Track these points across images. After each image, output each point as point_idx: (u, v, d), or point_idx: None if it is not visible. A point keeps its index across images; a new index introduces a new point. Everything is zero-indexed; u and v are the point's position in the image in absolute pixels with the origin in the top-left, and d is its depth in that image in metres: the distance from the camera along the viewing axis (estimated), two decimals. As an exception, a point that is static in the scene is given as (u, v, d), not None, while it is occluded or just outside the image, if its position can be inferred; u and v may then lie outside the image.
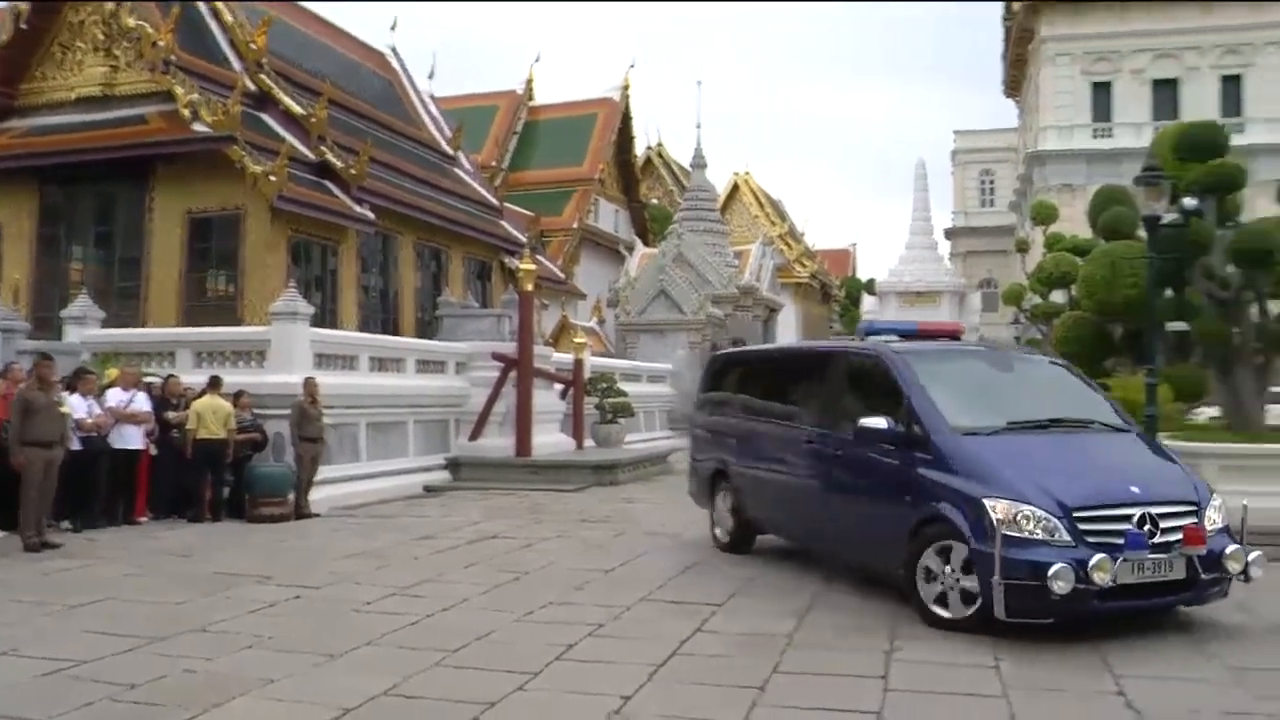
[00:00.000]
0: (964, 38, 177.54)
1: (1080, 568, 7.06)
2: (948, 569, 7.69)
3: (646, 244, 42.68)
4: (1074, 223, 38.14)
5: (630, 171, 48.26)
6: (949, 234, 76.72)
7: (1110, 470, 8.04)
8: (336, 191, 21.66)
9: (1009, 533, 7.26)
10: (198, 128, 19.49)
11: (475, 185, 30.56)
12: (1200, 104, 46.84)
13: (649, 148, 54.84)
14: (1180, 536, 7.44)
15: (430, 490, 17.56)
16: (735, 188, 58.76)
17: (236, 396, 14.44)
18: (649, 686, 6.26)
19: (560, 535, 12.63)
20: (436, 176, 27.83)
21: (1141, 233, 15.42)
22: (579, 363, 22.55)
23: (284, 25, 24.59)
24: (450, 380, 19.48)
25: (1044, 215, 38.49)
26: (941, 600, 7.73)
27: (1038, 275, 32.62)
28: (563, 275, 37.24)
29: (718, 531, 11.50)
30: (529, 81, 45.83)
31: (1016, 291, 38.84)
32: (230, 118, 19.32)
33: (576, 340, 23.91)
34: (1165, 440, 10.78)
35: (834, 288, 66.92)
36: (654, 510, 15.30)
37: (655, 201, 51.49)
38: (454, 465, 18.81)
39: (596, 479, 18.75)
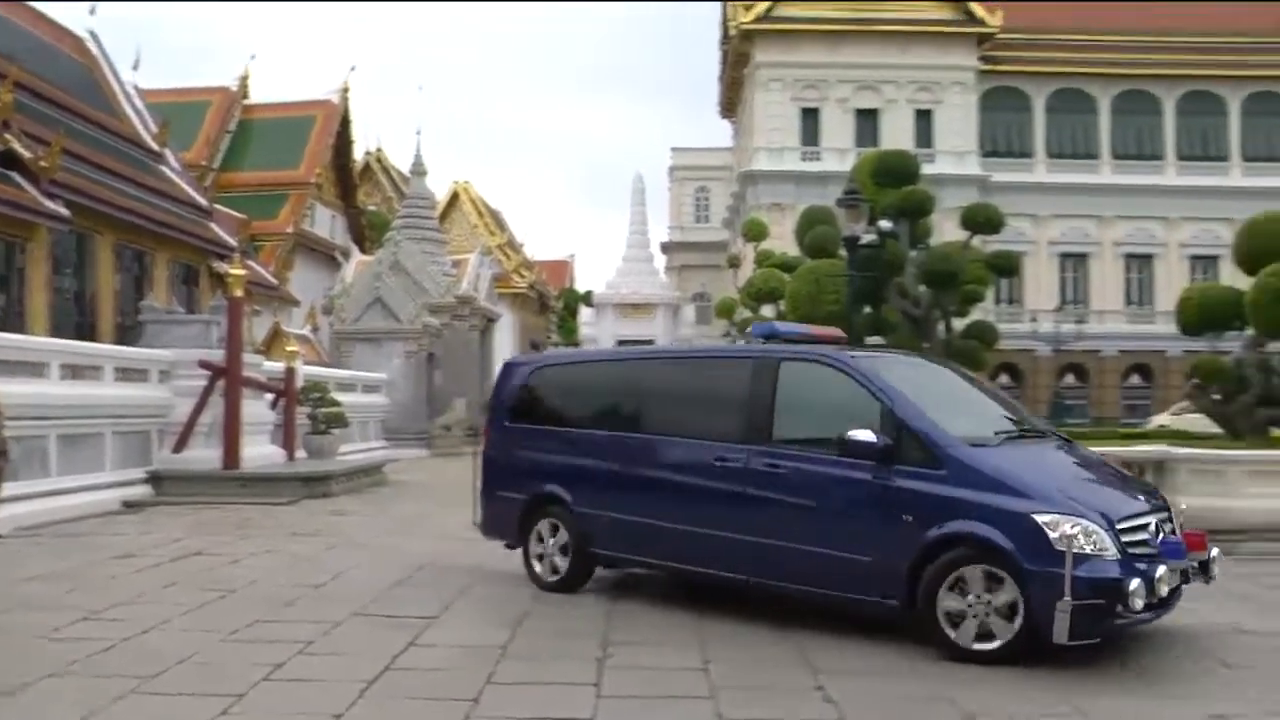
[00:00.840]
0: (686, 58, 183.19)
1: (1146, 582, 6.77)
2: (981, 594, 7.00)
3: (364, 251, 41.71)
4: (783, 240, 40.02)
5: (348, 176, 47.11)
6: (665, 248, 78.87)
7: (1108, 480, 7.83)
8: (24, 184, 20.18)
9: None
10: None
11: (183, 185, 29.19)
12: (897, 134, 50.26)
13: (368, 153, 53.82)
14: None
15: (130, 506, 16.62)
16: (455, 196, 58.40)
17: (-95, 406, 13.19)
18: (361, 703, 6.14)
19: (269, 550, 12.19)
20: (140, 173, 26.40)
21: (843, 251, 16.41)
22: (291, 371, 21.87)
23: (-38, 0, 22.74)
24: (153, 390, 18.46)
25: (755, 232, 40.27)
26: (969, 629, 7.04)
27: (748, 290, 34.07)
28: (275, 281, 36.05)
29: (539, 569, 9.74)
30: (244, 79, 43.90)
31: (728, 305, 40.36)
32: (-107, 97, 17.71)
33: (289, 348, 23.20)
34: None
35: (552, 298, 67.59)
36: (367, 522, 15.08)
37: (373, 208, 50.50)
38: (157, 479, 17.85)
39: (308, 491, 18.22)
